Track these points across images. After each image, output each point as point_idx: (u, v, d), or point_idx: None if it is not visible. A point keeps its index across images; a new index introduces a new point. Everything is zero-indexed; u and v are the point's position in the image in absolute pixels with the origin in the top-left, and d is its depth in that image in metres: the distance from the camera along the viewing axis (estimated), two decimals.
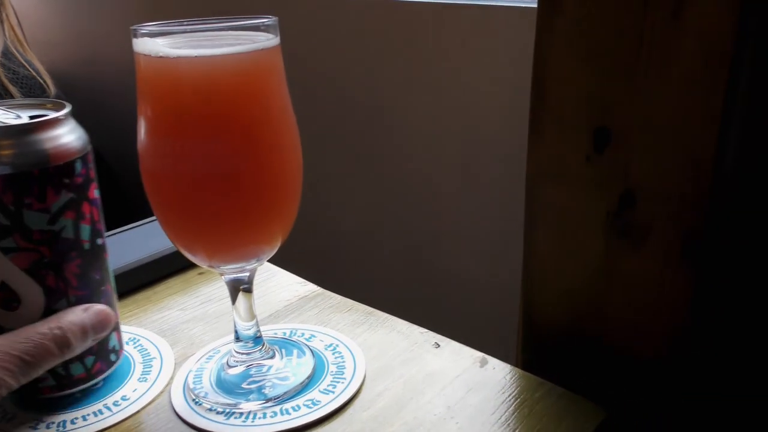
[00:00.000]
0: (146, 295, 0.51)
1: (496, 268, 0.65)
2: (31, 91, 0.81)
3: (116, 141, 0.86)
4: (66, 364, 0.38)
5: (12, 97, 0.78)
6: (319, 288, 0.52)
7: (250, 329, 0.41)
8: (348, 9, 0.74)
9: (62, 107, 0.38)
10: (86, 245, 0.38)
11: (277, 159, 0.37)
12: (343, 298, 0.50)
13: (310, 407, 0.38)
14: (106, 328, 0.38)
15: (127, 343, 0.45)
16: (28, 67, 0.83)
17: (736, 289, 0.35)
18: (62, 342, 0.35)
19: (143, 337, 0.46)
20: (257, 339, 0.41)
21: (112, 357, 0.41)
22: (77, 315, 0.37)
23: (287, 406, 0.38)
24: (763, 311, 0.35)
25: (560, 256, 0.39)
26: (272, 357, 0.42)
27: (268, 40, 0.35)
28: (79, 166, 0.37)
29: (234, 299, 0.40)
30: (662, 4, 0.31)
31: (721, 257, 0.34)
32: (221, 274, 0.39)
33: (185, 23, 0.34)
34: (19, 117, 0.37)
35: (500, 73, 0.65)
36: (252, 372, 0.41)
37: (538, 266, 0.40)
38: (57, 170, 0.36)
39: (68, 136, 0.36)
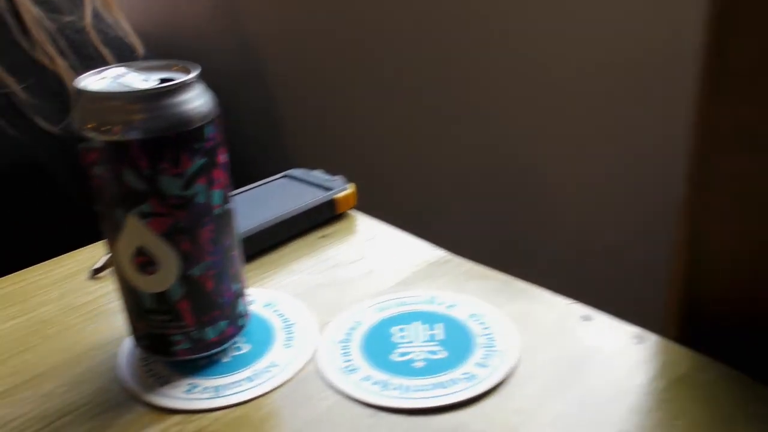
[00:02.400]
0: (272, 258, 0.51)
1: (641, 236, 0.61)
2: (121, 53, 0.80)
3: None
4: (200, 329, 0.38)
5: (105, 60, 0.78)
6: (447, 253, 0.50)
7: None
8: None
9: (191, 69, 0.36)
10: (217, 210, 0.37)
11: None
12: (476, 264, 0.49)
13: (469, 381, 0.37)
14: None
15: (264, 307, 0.45)
16: (115, 28, 0.82)
17: None
18: None
19: (279, 301, 0.45)
20: None
21: (240, 322, 0.41)
22: None
23: (443, 379, 0.37)
24: None
25: (735, 230, 0.36)
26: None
27: None
28: (210, 129, 0.35)
29: None
30: None
31: None
32: None
33: None
34: (146, 80, 0.35)
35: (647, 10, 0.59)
36: (401, 344, 0.40)
37: (706, 240, 0.37)
38: (190, 135, 0.34)
39: (199, 99, 0.35)
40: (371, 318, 0.43)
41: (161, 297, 0.37)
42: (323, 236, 0.53)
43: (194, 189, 0.35)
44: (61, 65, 0.71)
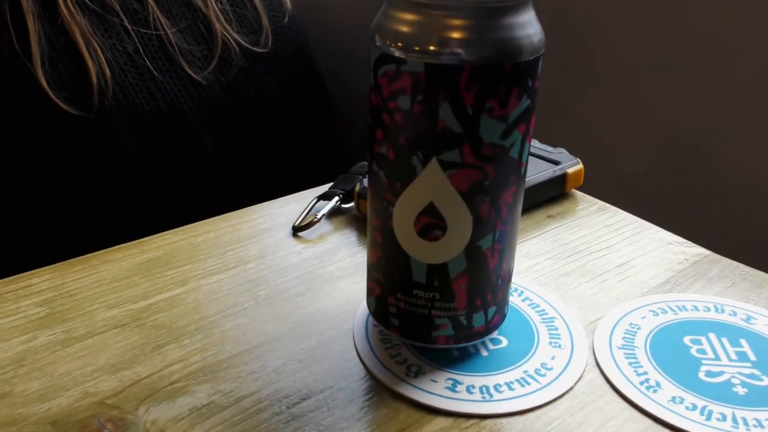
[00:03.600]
0: None
1: None
2: (271, 3, 0.74)
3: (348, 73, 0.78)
4: (469, 313, 0.31)
5: (257, 10, 0.71)
6: (709, 251, 0.42)
7: None
8: None
9: None
10: (522, 170, 0.29)
11: None
12: (756, 270, 0.40)
13: None
14: None
15: (511, 294, 0.37)
16: None
17: None
18: None
19: (527, 288, 0.38)
20: None
21: (506, 310, 0.33)
22: None
23: None
24: None
25: None
26: None
27: None
28: (541, 65, 0.28)
29: None
30: None
31: None
32: None
33: None
34: None
35: None
36: (704, 359, 0.32)
37: None
38: (526, 68, 0.27)
39: (534, 25, 0.27)
40: (649, 322, 0.35)
41: (437, 270, 0.29)
42: (550, 216, 0.46)
43: (512, 138, 0.27)
44: (214, 9, 0.65)
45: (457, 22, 0.25)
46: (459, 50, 0.25)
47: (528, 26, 0.26)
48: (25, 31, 0.53)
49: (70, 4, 0.56)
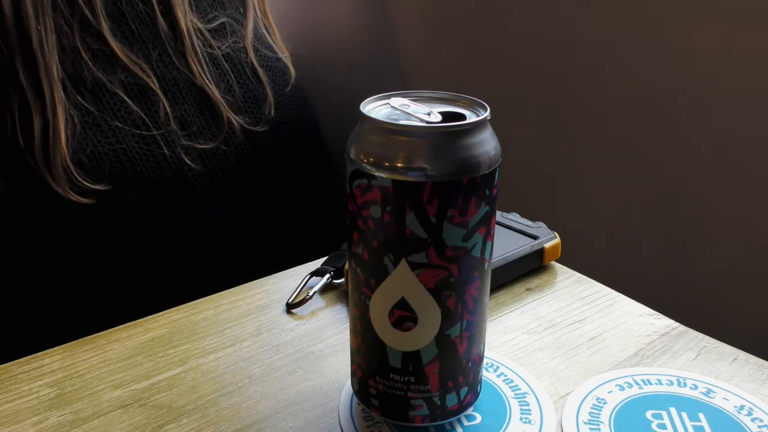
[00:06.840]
0: None
1: None
2: (274, 74, 0.78)
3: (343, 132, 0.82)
4: (442, 394, 0.34)
5: (261, 80, 0.75)
6: (677, 323, 0.44)
7: None
8: None
9: (480, 106, 0.32)
10: (486, 265, 0.33)
11: None
12: (718, 341, 0.42)
13: None
14: None
15: (487, 369, 0.40)
16: (275, 47, 0.80)
17: None
18: None
19: (502, 364, 0.40)
20: None
21: (478, 389, 0.36)
22: None
23: None
24: None
25: None
26: None
27: None
28: (497, 175, 0.31)
29: None
30: None
31: None
32: None
33: None
34: (429, 114, 0.31)
35: None
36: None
37: None
38: (483, 180, 0.30)
39: (492, 141, 0.31)
40: (615, 397, 0.38)
41: (411, 357, 0.32)
42: (529, 289, 0.48)
43: (473, 240, 0.31)
44: (214, 92, 0.69)
45: (420, 144, 0.29)
46: (422, 169, 0.29)
47: (485, 143, 0.30)
48: (30, 121, 0.56)
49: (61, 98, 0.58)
